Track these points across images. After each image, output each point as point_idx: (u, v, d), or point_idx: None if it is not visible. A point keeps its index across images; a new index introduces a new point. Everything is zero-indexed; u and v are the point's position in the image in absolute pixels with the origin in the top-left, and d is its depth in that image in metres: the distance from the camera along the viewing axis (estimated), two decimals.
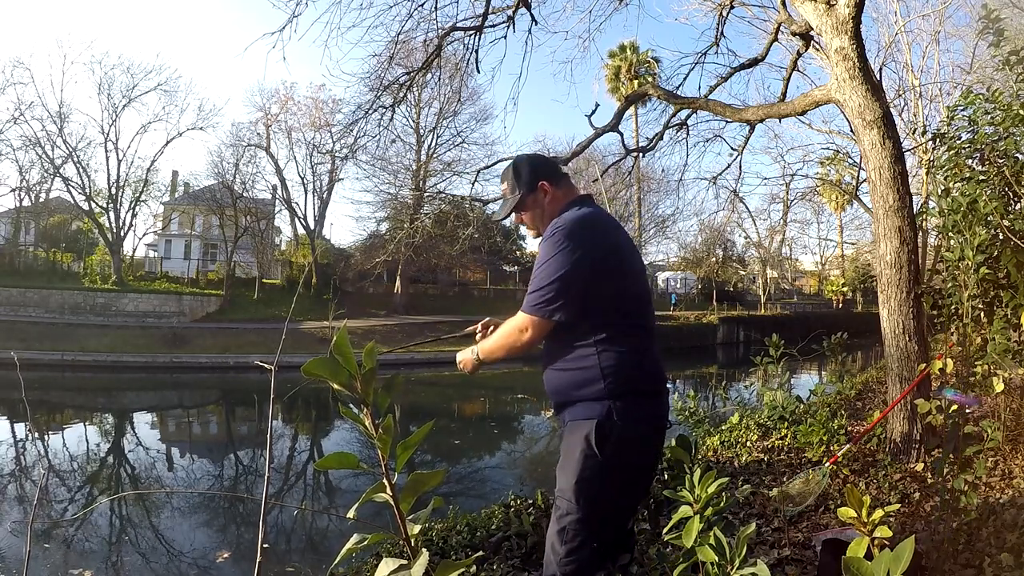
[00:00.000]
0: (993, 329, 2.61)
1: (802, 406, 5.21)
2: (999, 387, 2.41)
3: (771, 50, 6.80)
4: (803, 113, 5.59)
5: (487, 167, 12.30)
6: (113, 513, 6.66)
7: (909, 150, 10.45)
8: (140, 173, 26.89)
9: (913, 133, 11.97)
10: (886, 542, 1.91)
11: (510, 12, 6.46)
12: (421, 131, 28.32)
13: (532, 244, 35.38)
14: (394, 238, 21.69)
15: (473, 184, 12.15)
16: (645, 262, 20.64)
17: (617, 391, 1.64)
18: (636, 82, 28.64)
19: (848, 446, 3.69)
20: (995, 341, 2.53)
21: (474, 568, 2.66)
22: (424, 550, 0.89)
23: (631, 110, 10.55)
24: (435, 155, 28.57)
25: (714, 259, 35.59)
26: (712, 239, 34.05)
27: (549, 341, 1.77)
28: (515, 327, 1.74)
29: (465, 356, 1.88)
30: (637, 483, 1.78)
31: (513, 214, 1.90)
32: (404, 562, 0.87)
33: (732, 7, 7.16)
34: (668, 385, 1.86)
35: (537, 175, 1.86)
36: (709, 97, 6.45)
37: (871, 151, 3.87)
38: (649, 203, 34.46)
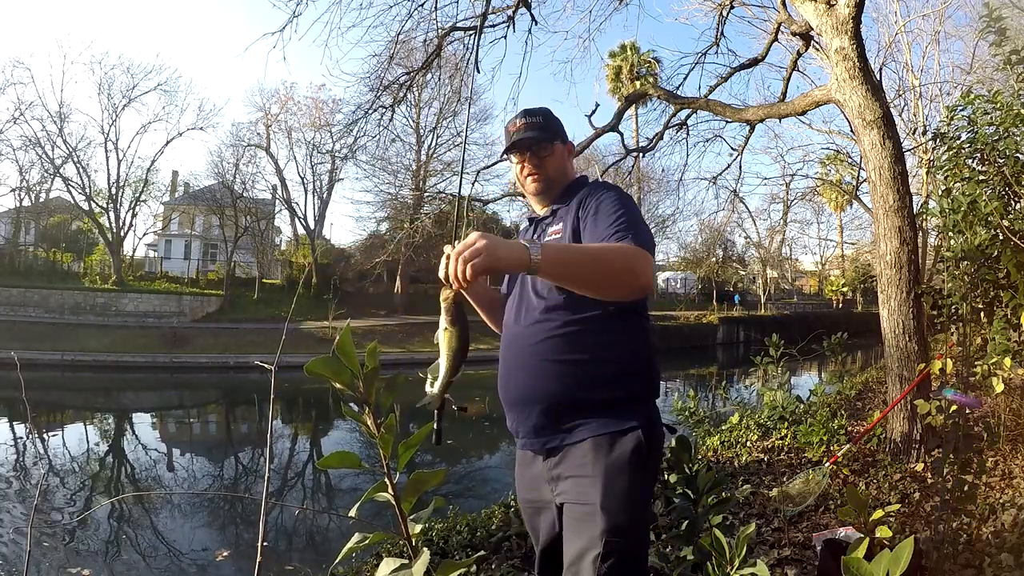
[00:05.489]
0: (993, 329, 2.61)
1: (802, 406, 5.22)
2: (999, 387, 2.41)
3: (771, 50, 6.81)
4: (803, 113, 5.59)
5: (487, 167, 12.33)
6: (113, 513, 6.66)
7: (909, 150, 10.45)
8: (140, 173, 26.94)
9: (913, 133, 11.98)
10: (886, 542, 1.92)
11: (510, 12, 6.47)
12: (421, 131, 28.35)
13: None
14: (394, 238, 21.71)
15: (473, 184, 12.13)
16: None
17: (655, 388, 1.37)
18: (636, 82, 28.63)
19: (848, 446, 3.69)
20: (995, 341, 2.53)
21: (474, 568, 2.66)
22: (425, 549, 0.89)
23: (631, 110, 10.56)
24: (435, 155, 28.60)
25: (714, 259, 35.58)
26: (712, 239, 34.05)
27: (567, 312, 1.31)
28: (631, 255, 1.17)
29: (495, 242, 1.05)
30: None
31: (530, 153, 1.49)
32: (405, 561, 0.87)
33: (732, 7, 7.16)
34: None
35: (565, 135, 1.58)
36: (709, 97, 6.46)
37: (871, 151, 3.88)
38: (649, 203, 34.44)
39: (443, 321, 1.19)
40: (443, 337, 1.19)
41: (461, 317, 1.19)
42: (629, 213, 1.28)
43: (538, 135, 1.48)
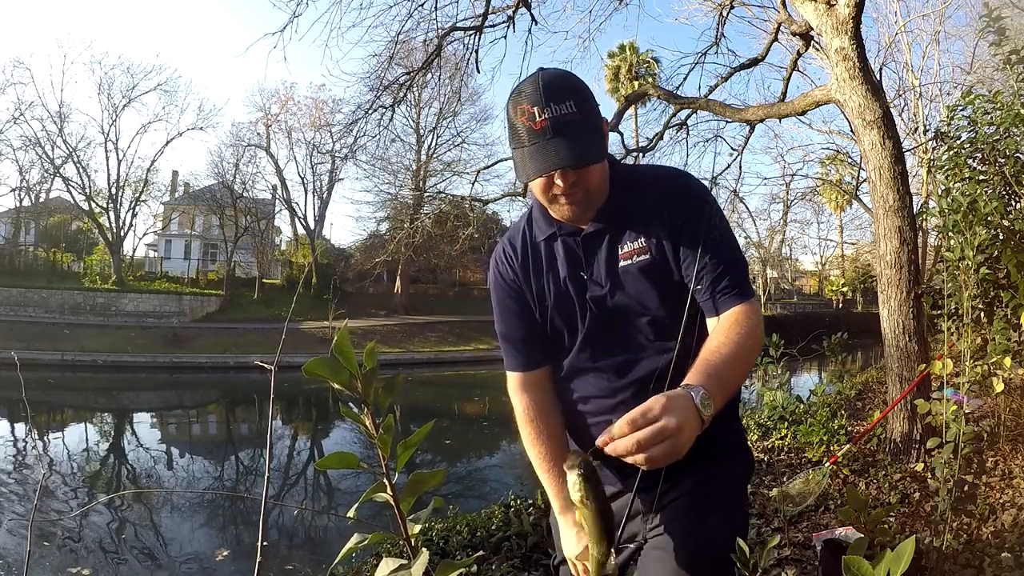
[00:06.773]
0: (993, 329, 2.61)
1: (802, 406, 5.22)
2: (999, 387, 2.41)
3: (771, 50, 6.81)
4: (803, 113, 5.59)
5: (487, 167, 12.33)
6: (113, 512, 6.66)
7: (909, 150, 10.46)
8: (140, 173, 26.98)
9: (913, 133, 11.99)
10: (886, 542, 1.92)
11: (510, 12, 6.47)
12: (421, 131, 28.37)
13: None
14: (394, 238, 21.70)
15: (473, 184, 12.16)
16: None
17: None
18: (636, 82, 28.59)
19: (848, 446, 3.69)
20: (995, 341, 2.53)
21: (474, 568, 2.66)
22: (424, 549, 0.88)
23: (631, 110, 10.55)
24: (435, 155, 28.61)
25: None
26: None
27: (685, 340, 1.04)
28: (760, 332, 1.02)
29: (683, 417, 0.79)
30: None
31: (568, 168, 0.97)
32: (404, 562, 0.87)
33: (732, 7, 7.16)
34: None
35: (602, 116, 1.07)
36: (709, 97, 6.45)
37: (871, 151, 3.87)
38: None
39: (576, 495, 0.85)
40: (583, 516, 0.88)
41: (599, 490, 0.86)
42: (736, 247, 1.10)
43: (580, 146, 0.95)
